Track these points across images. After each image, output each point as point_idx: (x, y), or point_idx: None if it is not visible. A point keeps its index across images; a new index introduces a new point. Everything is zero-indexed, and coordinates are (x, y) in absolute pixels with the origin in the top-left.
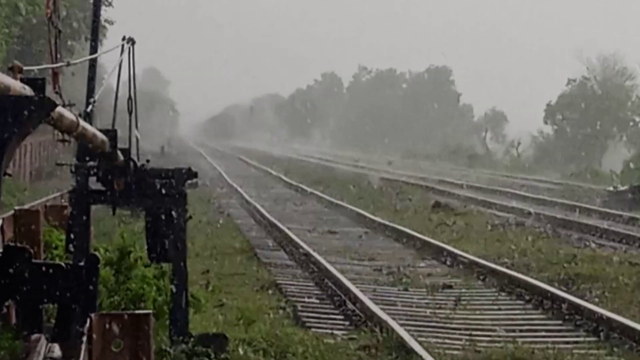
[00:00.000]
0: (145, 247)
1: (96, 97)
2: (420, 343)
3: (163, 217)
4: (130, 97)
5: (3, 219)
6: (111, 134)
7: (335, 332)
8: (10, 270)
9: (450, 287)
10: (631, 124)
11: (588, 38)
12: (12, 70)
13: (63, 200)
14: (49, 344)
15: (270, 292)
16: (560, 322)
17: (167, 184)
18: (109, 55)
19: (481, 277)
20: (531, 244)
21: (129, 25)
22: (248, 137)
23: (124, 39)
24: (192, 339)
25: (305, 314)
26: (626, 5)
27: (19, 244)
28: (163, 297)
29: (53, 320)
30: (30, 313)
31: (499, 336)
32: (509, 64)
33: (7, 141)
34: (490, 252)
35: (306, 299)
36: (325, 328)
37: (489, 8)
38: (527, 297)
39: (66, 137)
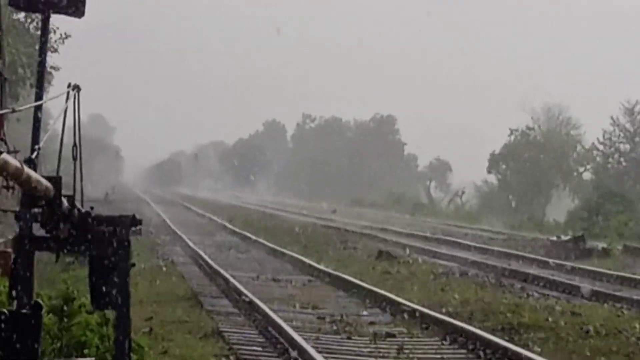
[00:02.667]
0: (89, 294)
1: (41, 143)
2: None
3: (107, 264)
4: (75, 144)
5: None
6: (56, 180)
7: None
8: None
9: (393, 335)
10: (575, 173)
11: (533, 88)
12: None
13: (6, 247)
14: None
15: (213, 339)
16: None
17: (111, 231)
18: (54, 102)
19: (424, 326)
20: (474, 293)
21: (74, 71)
22: (193, 184)
23: (69, 86)
24: None
25: None
26: (570, 56)
27: None
28: (106, 344)
29: None
30: None
31: None
32: (454, 113)
33: None
34: (433, 300)
35: (249, 347)
36: None
37: (433, 57)
38: (470, 346)
39: (10, 183)
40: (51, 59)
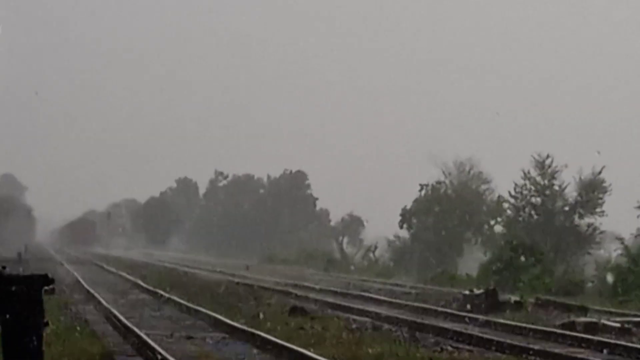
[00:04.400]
0: (2, 353)
1: None
2: None
3: (20, 323)
4: None
5: None
6: None
7: None
8: None
9: None
10: (486, 227)
11: (443, 143)
12: None
13: None
14: None
15: None
16: None
17: (23, 290)
18: None
19: None
20: (388, 348)
21: None
22: (105, 243)
23: None
24: None
25: None
26: (479, 111)
27: None
28: None
29: None
30: None
31: None
32: (366, 168)
33: None
34: (347, 356)
35: None
36: None
37: (342, 112)
38: None
39: None
40: None
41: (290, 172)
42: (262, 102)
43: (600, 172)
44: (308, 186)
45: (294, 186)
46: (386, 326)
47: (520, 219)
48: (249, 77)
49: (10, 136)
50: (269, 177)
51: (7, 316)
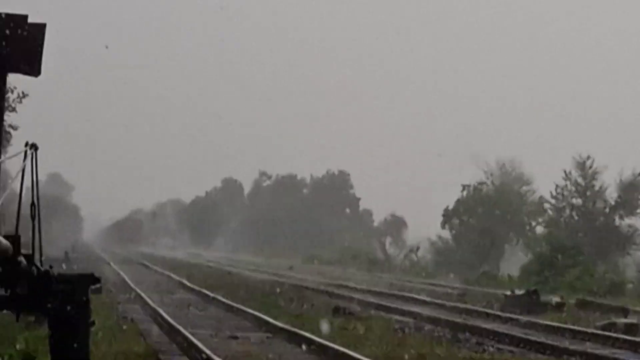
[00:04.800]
0: (49, 352)
1: (0, 202)
2: None
3: (67, 322)
4: (33, 203)
5: None
6: (14, 239)
7: None
8: None
9: None
10: (527, 227)
11: (485, 143)
12: None
13: None
14: None
15: None
16: None
17: (70, 289)
18: (12, 161)
19: None
20: (430, 348)
21: (33, 130)
22: (151, 242)
23: (27, 144)
24: None
25: None
26: (522, 111)
27: None
28: None
29: None
30: None
31: None
32: (408, 168)
33: None
34: (390, 356)
35: None
36: None
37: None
38: None
39: None
40: (9, 118)
41: (333, 172)
42: (305, 103)
43: None
44: (351, 186)
45: (336, 186)
46: (428, 327)
47: (561, 220)
48: (293, 78)
49: (58, 136)
50: (312, 177)
51: (54, 316)
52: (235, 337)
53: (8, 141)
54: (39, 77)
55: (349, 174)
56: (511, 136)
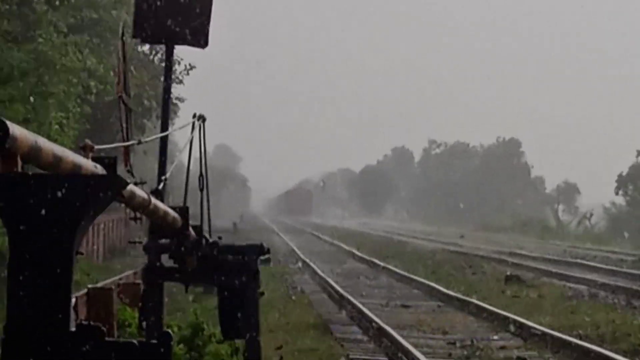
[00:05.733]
0: (219, 323)
1: (167, 174)
2: None
3: (236, 293)
4: (201, 174)
5: (77, 297)
6: (183, 211)
7: None
8: (84, 349)
9: (524, 359)
10: None
11: None
12: (84, 149)
13: (136, 278)
14: None
15: None
16: None
17: (239, 260)
18: (180, 133)
19: (555, 350)
20: (605, 316)
21: (200, 102)
22: (320, 212)
23: (194, 116)
24: None
25: None
26: None
27: (92, 322)
28: None
29: None
30: None
31: None
32: (581, 134)
33: (79, 220)
34: (563, 324)
35: None
36: None
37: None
38: None
39: (138, 215)
40: (176, 90)
41: (504, 139)
42: (473, 72)
43: None
44: (522, 154)
45: (507, 154)
46: (602, 294)
47: None
48: (458, 49)
49: (226, 107)
50: (481, 145)
51: (224, 287)
52: (407, 307)
53: (175, 113)
54: (206, 49)
55: (520, 142)
56: None
